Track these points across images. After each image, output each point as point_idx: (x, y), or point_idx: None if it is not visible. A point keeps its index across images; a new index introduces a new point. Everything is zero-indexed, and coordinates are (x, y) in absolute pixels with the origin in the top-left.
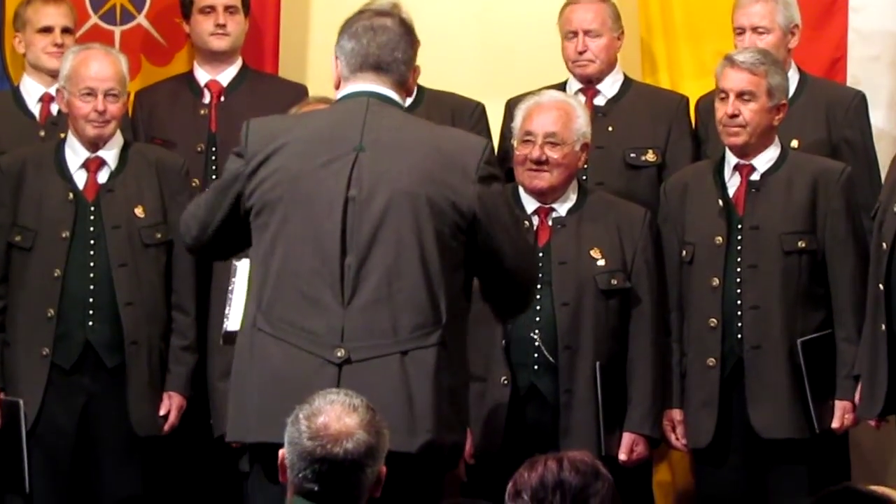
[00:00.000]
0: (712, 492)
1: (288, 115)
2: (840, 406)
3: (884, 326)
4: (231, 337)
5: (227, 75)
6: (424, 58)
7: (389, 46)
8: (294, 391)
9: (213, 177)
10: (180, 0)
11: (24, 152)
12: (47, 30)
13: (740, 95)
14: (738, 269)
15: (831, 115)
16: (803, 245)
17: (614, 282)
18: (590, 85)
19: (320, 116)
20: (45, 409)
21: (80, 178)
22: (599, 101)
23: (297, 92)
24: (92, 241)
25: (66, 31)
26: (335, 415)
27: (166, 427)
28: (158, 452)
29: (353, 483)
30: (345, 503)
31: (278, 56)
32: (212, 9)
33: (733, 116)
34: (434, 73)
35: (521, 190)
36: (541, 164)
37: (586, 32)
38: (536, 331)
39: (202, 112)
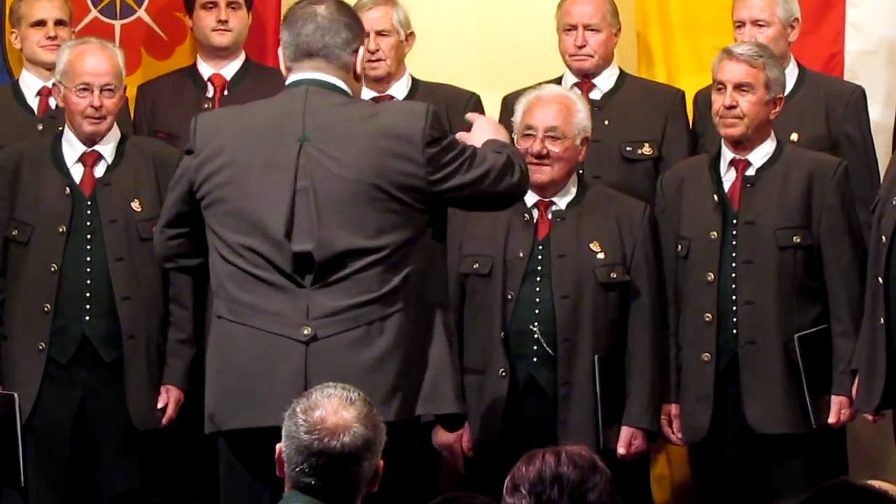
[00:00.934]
0: (708, 486)
1: (234, 108)
2: (836, 401)
3: (882, 320)
4: None
5: (230, 69)
6: (424, 52)
7: (318, 33)
8: (262, 373)
9: None
10: None
11: (21, 147)
12: (40, 23)
13: (738, 87)
14: (734, 265)
15: (831, 109)
16: (798, 240)
17: (614, 275)
18: (586, 79)
19: (264, 107)
20: (41, 403)
21: (76, 173)
22: (595, 95)
23: None
24: (89, 236)
25: (59, 23)
26: (332, 408)
27: (164, 420)
28: (156, 446)
29: (351, 477)
30: (342, 497)
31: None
32: (214, 4)
33: (731, 107)
34: (433, 67)
35: None
36: (542, 157)
37: (586, 27)
38: (536, 323)
39: (205, 106)
